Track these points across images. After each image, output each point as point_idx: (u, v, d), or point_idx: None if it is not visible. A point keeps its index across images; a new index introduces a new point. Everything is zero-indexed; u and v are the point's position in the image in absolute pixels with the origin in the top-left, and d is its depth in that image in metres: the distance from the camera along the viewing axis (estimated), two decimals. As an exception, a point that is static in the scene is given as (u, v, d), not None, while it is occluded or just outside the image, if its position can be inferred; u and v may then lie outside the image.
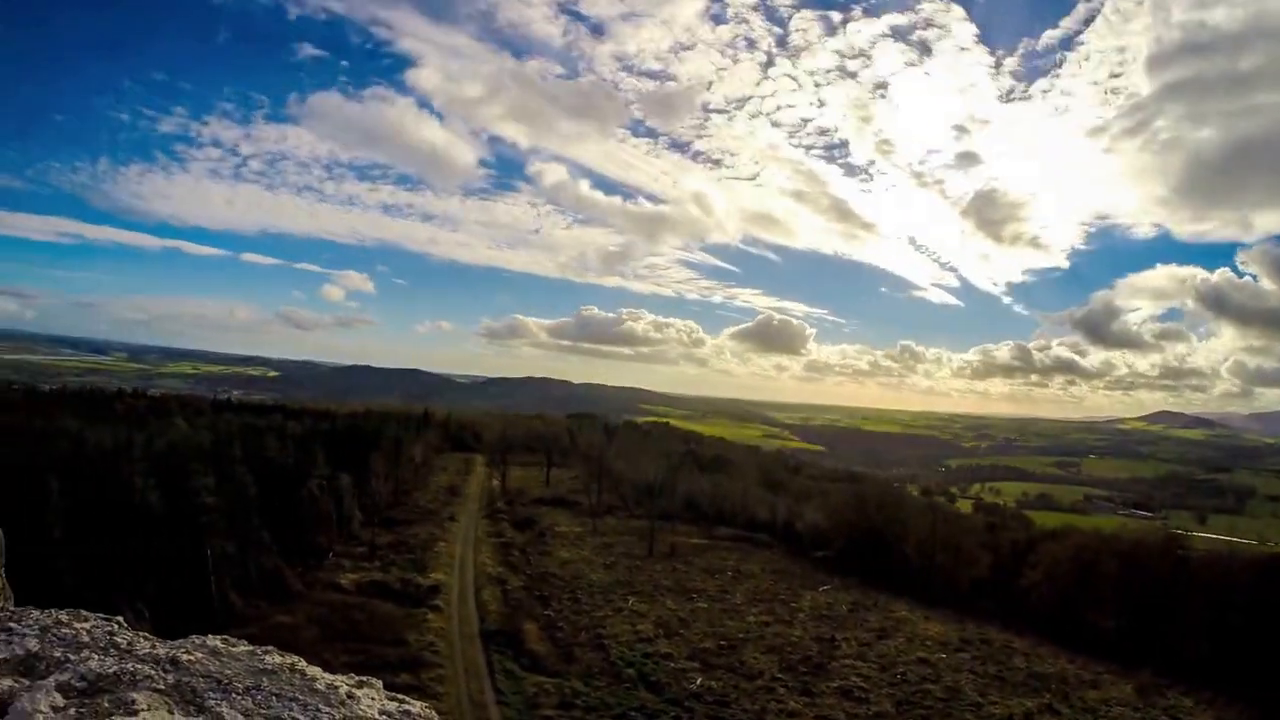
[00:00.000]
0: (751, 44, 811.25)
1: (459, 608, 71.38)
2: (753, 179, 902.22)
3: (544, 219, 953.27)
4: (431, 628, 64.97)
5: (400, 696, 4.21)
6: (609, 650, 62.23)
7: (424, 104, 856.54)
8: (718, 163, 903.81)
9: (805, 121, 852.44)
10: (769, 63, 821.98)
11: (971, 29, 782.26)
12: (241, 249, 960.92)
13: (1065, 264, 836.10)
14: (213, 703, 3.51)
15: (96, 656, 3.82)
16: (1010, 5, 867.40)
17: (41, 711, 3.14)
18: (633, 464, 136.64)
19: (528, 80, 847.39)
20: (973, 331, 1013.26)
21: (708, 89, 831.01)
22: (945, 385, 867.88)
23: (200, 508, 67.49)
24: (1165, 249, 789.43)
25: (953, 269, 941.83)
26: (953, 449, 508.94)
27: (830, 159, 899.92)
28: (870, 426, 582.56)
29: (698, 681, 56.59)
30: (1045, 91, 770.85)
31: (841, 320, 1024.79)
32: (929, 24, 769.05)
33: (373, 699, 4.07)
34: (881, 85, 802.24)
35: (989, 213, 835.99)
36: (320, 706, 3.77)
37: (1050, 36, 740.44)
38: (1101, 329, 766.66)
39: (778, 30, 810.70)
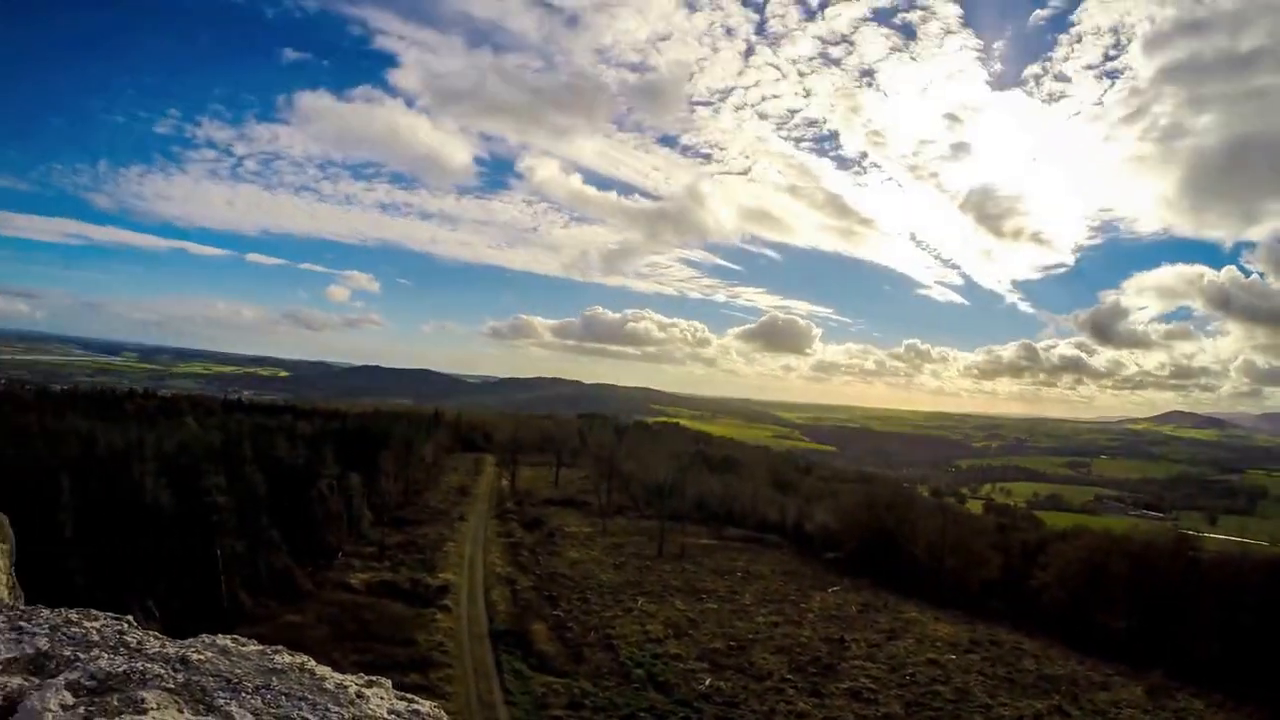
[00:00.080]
0: (730, 32, 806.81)
1: (468, 608, 71.40)
2: (745, 173, 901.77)
3: (541, 217, 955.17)
4: (440, 628, 65.01)
5: (409, 696, 4.21)
6: (618, 651, 62.22)
7: (411, 103, 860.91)
8: (708, 157, 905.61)
9: (792, 113, 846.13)
10: (749, 51, 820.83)
11: (956, 9, 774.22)
12: (244, 249, 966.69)
13: (1070, 261, 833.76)
14: (222, 702, 3.51)
15: (106, 655, 3.83)
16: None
17: (51, 710, 3.14)
18: (643, 464, 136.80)
19: (509, 75, 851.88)
20: (978, 330, 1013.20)
21: (690, 80, 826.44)
22: (954, 385, 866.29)
23: (210, 507, 67.72)
24: (1171, 246, 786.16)
25: (955, 266, 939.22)
26: (963, 449, 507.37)
27: (821, 152, 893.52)
28: (881, 427, 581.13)
29: (707, 682, 56.54)
30: (1038, 77, 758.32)
31: (847, 319, 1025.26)
32: (911, 5, 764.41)
33: (382, 698, 4.06)
34: (867, 73, 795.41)
35: (988, 207, 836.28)
36: (329, 706, 3.77)
37: (1039, 16, 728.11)
38: (1109, 329, 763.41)
39: (755, 16, 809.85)
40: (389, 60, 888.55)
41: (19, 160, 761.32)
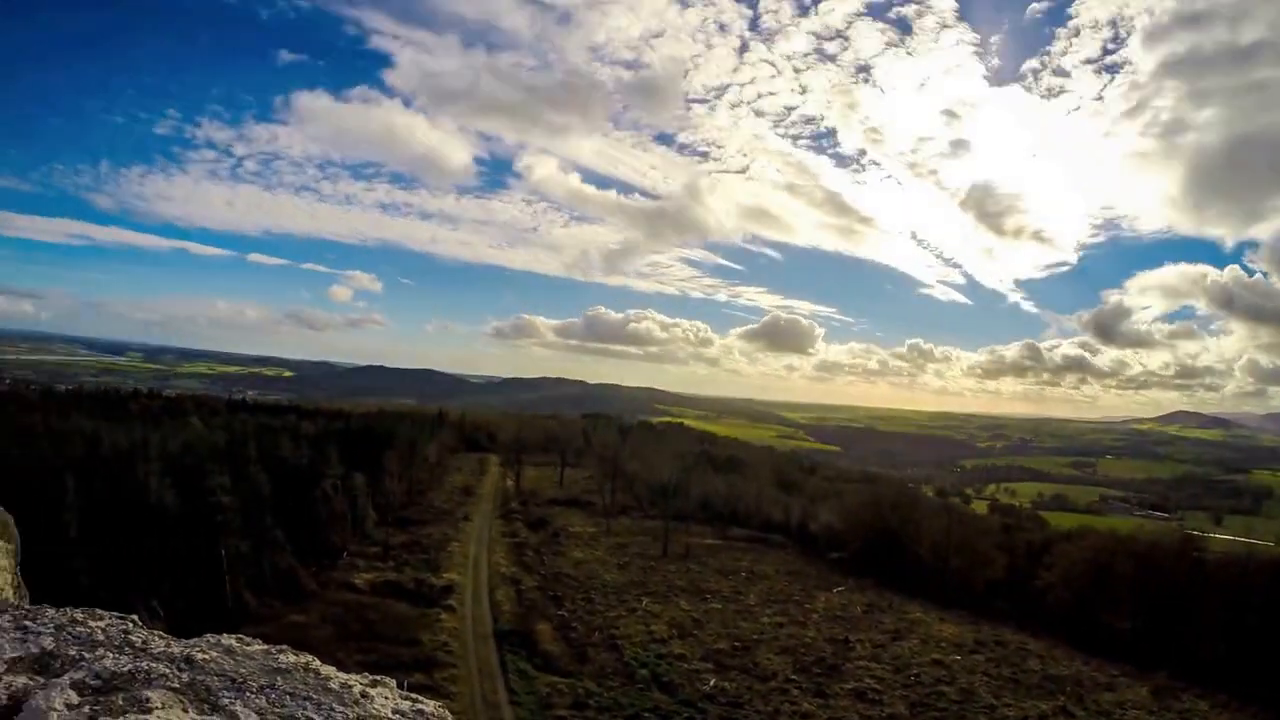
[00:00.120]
0: (723, 28, 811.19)
1: (473, 608, 71.47)
2: (743, 172, 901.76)
3: (540, 216, 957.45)
4: (445, 627, 65.11)
5: (414, 696, 4.20)
6: (622, 651, 62.24)
7: (408, 102, 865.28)
8: (705, 155, 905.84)
9: (789, 110, 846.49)
10: (743, 47, 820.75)
11: (951, 3, 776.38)
12: (246, 249, 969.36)
13: (1073, 259, 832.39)
14: (227, 701, 3.51)
15: (111, 655, 3.83)
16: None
17: (56, 709, 3.14)
18: (647, 464, 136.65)
19: (504, 74, 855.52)
20: (981, 330, 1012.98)
21: (684, 77, 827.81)
22: (957, 385, 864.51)
23: (215, 507, 67.82)
24: (1173, 244, 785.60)
25: (957, 265, 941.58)
26: (968, 449, 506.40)
27: (819, 149, 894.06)
28: (885, 427, 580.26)
29: (711, 683, 56.52)
30: (1036, 72, 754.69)
31: (849, 319, 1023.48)
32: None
33: (386, 698, 4.06)
34: (863, 69, 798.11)
35: (988, 205, 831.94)
36: (334, 706, 3.77)
37: (1035, 10, 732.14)
38: (1112, 328, 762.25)
39: (748, 12, 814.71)
40: (384, 60, 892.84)
41: (20, 160, 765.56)
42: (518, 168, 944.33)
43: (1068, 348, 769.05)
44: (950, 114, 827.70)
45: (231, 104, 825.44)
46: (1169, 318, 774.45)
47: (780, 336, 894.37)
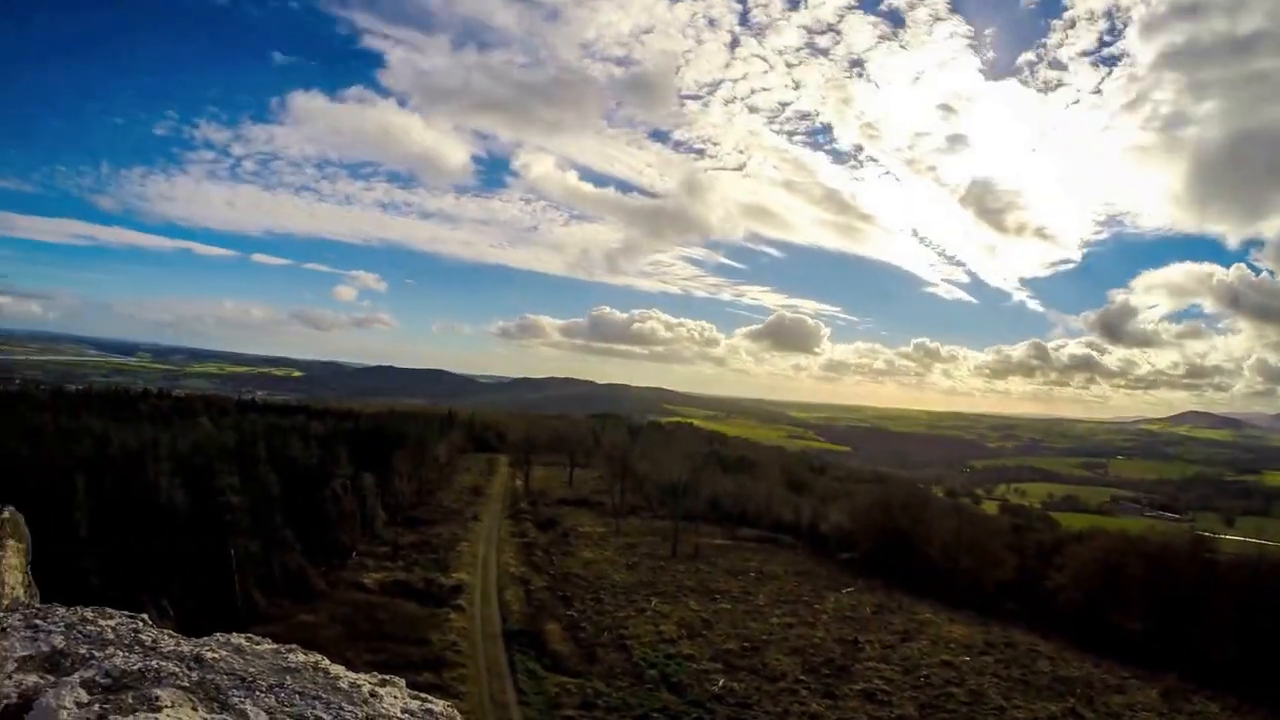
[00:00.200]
0: (713, 23, 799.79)
1: (482, 607, 71.51)
2: (740, 169, 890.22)
3: (540, 215, 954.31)
4: (454, 627, 65.15)
5: (423, 695, 4.21)
6: (631, 651, 62.22)
7: (403, 102, 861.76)
8: (701, 152, 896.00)
9: (783, 105, 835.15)
10: (734, 42, 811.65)
11: None
12: (249, 250, 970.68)
13: (1077, 257, 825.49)
14: (236, 700, 3.51)
15: (121, 653, 3.84)
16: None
17: (66, 707, 3.15)
18: (656, 464, 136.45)
19: (496, 72, 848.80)
20: (987, 329, 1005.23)
21: (676, 73, 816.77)
22: (966, 385, 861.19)
23: (225, 507, 68.03)
24: (1177, 241, 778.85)
25: (960, 263, 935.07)
26: (978, 449, 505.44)
27: (815, 145, 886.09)
28: (894, 427, 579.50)
29: (720, 683, 56.49)
30: (1032, 64, 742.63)
31: (855, 318, 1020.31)
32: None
33: (395, 697, 4.06)
34: (857, 63, 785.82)
35: (988, 201, 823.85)
36: (344, 705, 3.77)
37: (1030, 0, 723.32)
38: (1118, 328, 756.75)
39: (738, 6, 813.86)
40: (377, 60, 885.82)
41: (20, 162, 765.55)
42: (515, 166, 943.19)
43: (1074, 347, 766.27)
44: (946, 109, 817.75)
45: (228, 105, 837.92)
46: (1176, 317, 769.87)
47: (786, 336, 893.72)
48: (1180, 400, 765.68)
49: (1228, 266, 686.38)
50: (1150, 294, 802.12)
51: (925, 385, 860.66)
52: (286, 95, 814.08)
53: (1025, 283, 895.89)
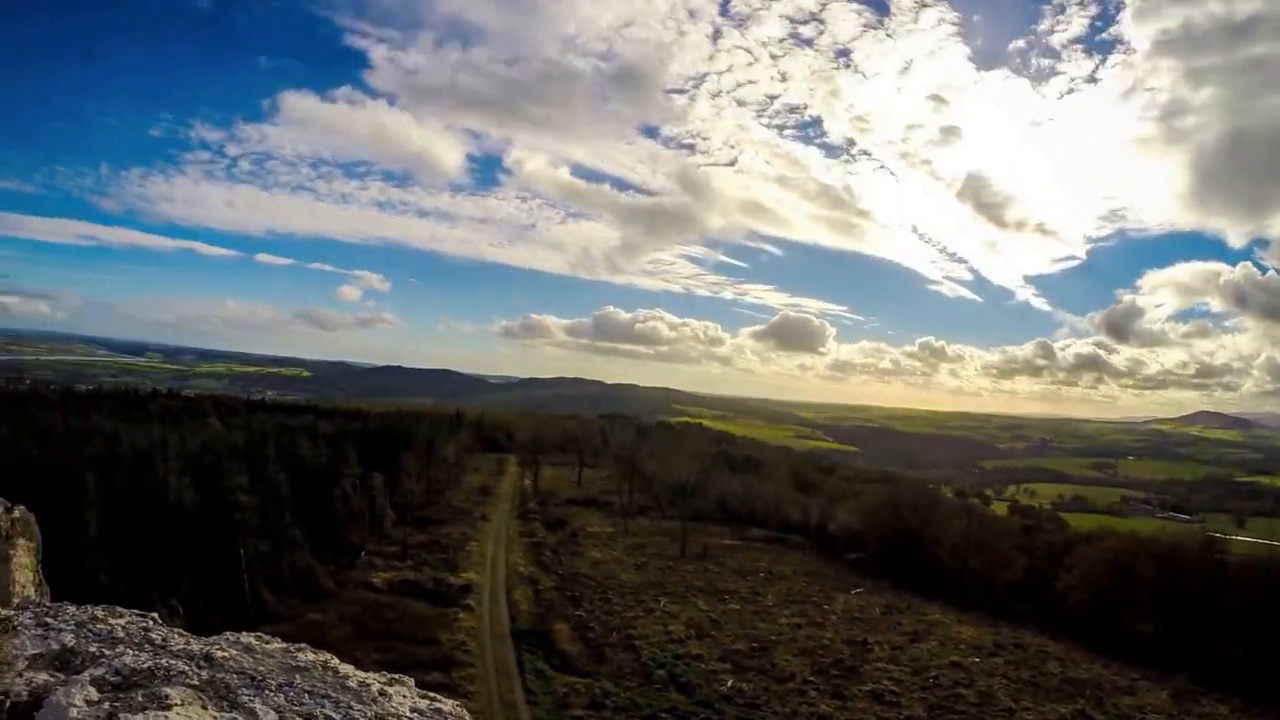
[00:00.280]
0: (693, 14, 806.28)
1: (490, 607, 71.62)
2: (731, 164, 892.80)
3: (537, 213, 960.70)
4: (463, 627, 65.28)
5: (431, 694, 4.20)
6: (640, 651, 62.23)
7: (392, 101, 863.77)
8: (691, 148, 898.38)
9: (771, 98, 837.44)
10: (716, 34, 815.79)
11: None
12: (252, 250, 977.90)
13: (1081, 254, 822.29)
14: (246, 699, 3.51)
15: (131, 652, 3.84)
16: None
17: (76, 705, 3.15)
18: (665, 464, 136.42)
19: (480, 69, 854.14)
20: (992, 327, 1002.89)
21: (661, 67, 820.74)
22: (973, 384, 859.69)
23: (234, 506, 68.23)
24: (1181, 238, 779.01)
25: (962, 260, 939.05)
26: (987, 450, 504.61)
27: (806, 139, 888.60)
28: (903, 427, 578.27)
29: (729, 683, 56.45)
30: (1024, 52, 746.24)
31: (860, 318, 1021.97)
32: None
33: (404, 697, 4.06)
34: (843, 53, 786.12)
35: (985, 195, 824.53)
36: (352, 704, 3.77)
37: None
38: (1125, 327, 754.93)
39: None
40: (361, 59, 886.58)
41: (21, 163, 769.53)
42: (507, 163, 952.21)
43: (1081, 346, 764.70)
44: (937, 99, 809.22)
45: (220, 105, 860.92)
46: (1182, 316, 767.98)
47: (791, 335, 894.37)
48: (1191, 400, 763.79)
49: (1233, 265, 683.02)
50: (1156, 293, 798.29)
51: (932, 385, 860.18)
52: (277, 96, 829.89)
53: (1029, 280, 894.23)
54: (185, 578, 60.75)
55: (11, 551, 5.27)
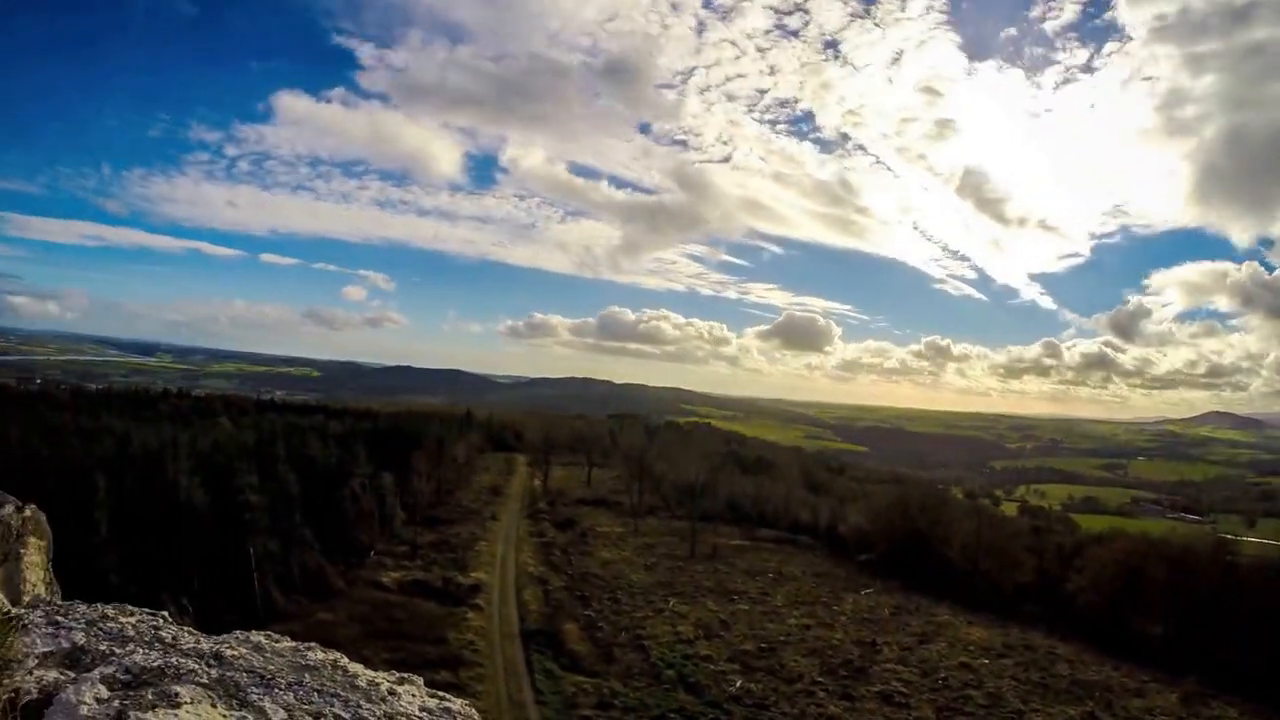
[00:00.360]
0: (675, 7, 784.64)
1: (500, 607, 71.68)
2: (726, 160, 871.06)
3: (536, 212, 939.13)
4: (472, 626, 65.36)
5: (440, 694, 4.21)
6: (649, 651, 62.25)
7: (385, 100, 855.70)
8: (684, 144, 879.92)
9: (761, 92, 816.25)
10: (701, 27, 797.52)
11: None
12: (256, 250, 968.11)
13: (1086, 251, 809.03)
14: (255, 697, 3.52)
15: (141, 650, 3.86)
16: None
17: (86, 703, 3.16)
18: (674, 465, 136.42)
19: (467, 67, 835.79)
20: (998, 326, 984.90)
21: (648, 60, 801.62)
22: (981, 384, 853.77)
23: (244, 506, 68.49)
24: (1189, 237, 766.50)
25: (965, 258, 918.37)
26: (997, 450, 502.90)
27: (800, 134, 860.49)
28: (913, 427, 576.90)
29: (737, 684, 56.44)
30: (1016, 40, 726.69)
31: (865, 317, 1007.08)
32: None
33: (413, 696, 4.06)
34: (831, 44, 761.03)
35: (985, 190, 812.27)
36: (361, 702, 3.78)
37: None
38: (1132, 327, 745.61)
39: None
40: (350, 58, 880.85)
41: (23, 163, 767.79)
42: (503, 161, 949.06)
43: (1088, 345, 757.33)
44: (930, 91, 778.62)
45: (217, 105, 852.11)
46: (1189, 315, 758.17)
47: (797, 335, 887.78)
48: (1202, 401, 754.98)
49: (1240, 264, 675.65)
50: (1163, 293, 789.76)
51: (940, 385, 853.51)
52: (271, 96, 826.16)
53: (1035, 278, 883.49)
54: (195, 577, 61.00)
55: (22, 550, 5.30)
